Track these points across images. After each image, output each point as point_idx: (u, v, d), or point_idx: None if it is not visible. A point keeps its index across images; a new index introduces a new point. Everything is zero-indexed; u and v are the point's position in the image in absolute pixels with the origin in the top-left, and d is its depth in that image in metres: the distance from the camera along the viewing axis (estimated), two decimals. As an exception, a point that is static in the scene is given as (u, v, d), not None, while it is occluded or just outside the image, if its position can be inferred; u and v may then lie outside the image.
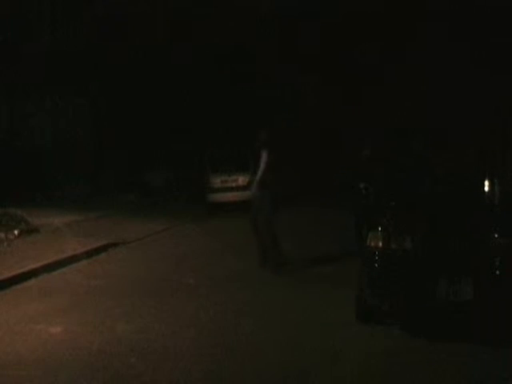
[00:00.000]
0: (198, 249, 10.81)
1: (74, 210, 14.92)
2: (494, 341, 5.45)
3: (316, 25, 21.89)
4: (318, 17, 21.87)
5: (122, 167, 20.73)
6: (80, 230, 12.36)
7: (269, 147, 8.30)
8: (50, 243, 10.65)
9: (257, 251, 8.69)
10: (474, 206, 6.44)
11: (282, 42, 21.93)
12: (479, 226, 5.78)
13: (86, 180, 19.51)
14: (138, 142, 20.90)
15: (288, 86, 22.06)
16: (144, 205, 17.67)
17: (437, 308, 5.53)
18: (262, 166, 8.24)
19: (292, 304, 6.99)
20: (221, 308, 6.82)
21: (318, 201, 16.11)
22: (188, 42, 21.35)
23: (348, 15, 21.36)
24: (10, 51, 18.20)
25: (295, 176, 16.21)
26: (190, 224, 14.23)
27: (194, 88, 21.31)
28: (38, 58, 19.10)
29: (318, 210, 14.99)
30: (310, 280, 8.11)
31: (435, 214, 6.08)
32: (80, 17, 21.16)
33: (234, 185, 16.51)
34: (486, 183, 6.89)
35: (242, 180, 15.97)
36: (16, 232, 11.13)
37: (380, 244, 5.72)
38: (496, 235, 5.55)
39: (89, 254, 9.92)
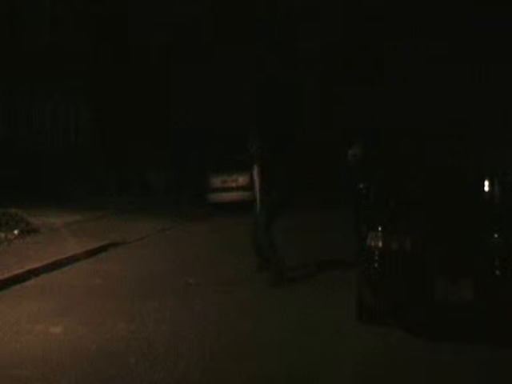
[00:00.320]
0: (198, 249, 10.82)
1: (74, 210, 14.91)
2: (494, 341, 5.45)
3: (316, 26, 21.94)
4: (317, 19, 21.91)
5: (122, 167, 20.73)
6: (80, 230, 12.36)
7: (259, 160, 7.99)
8: (49, 243, 10.66)
9: (254, 257, 8.42)
10: (473, 206, 6.44)
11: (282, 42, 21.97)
12: (479, 225, 5.78)
13: (86, 180, 19.50)
14: (138, 142, 20.90)
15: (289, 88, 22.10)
16: (144, 205, 17.66)
17: (437, 308, 5.53)
18: (257, 180, 7.93)
19: (292, 304, 6.98)
20: (221, 308, 6.82)
21: (316, 201, 16.10)
22: (188, 42, 21.37)
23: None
24: (10, 51, 18.18)
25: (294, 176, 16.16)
26: (190, 224, 14.24)
27: (193, 88, 21.31)
28: (38, 58, 19.10)
29: (316, 210, 14.99)
30: (310, 280, 8.11)
31: (435, 214, 6.08)
32: (81, 16, 21.16)
33: (234, 185, 16.50)
34: (486, 183, 6.89)
35: (242, 180, 15.96)
36: (16, 232, 11.13)
37: (380, 244, 5.72)
38: (496, 235, 5.55)
39: (89, 254, 9.92)
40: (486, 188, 6.87)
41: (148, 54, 21.31)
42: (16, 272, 8.31)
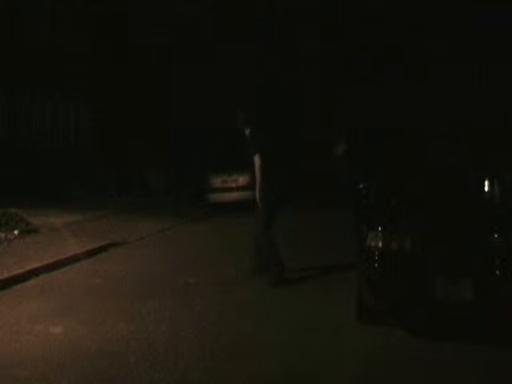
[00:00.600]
0: (198, 249, 10.82)
1: (74, 210, 14.91)
2: (494, 341, 5.45)
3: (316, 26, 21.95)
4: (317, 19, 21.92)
5: (122, 167, 20.73)
6: (80, 230, 12.36)
7: (251, 125, 7.91)
8: (49, 243, 10.65)
9: (253, 258, 8.33)
10: (474, 206, 6.44)
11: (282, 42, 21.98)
12: (479, 226, 5.78)
13: (86, 180, 19.50)
14: (138, 142, 20.90)
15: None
16: (144, 205, 17.66)
17: (437, 308, 5.53)
18: (258, 172, 7.79)
19: (292, 304, 6.98)
20: (221, 308, 6.82)
21: (316, 200, 16.10)
22: (188, 42, 21.37)
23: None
24: (10, 50, 18.19)
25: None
26: (190, 224, 14.24)
27: (193, 88, 21.31)
28: (38, 58, 19.10)
29: (316, 210, 14.99)
30: (310, 280, 8.11)
31: (435, 214, 6.08)
32: (81, 16, 21.16)
33: (234, 185, 16.49)
34: (486, 183, 6.89)
35: (242, 180, 15.96)
36: (16, 232, 11.12)
37: (380, 244, 5.72)
38: (496, 235, 5.55)
39: (89, 254, 9.91)
40: (486, 188, 6.87)
41: (148, 54, 21.31)
42: (16, 272, 8.31)
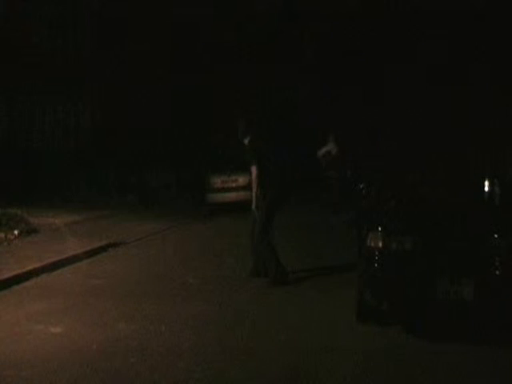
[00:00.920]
0: (197, 249, 10.81)
1: (74, 210, 14.92)
2: (494, 341, 5.46)
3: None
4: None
5: (122, 167, 20.72)
6: (80, 230, 12.36)
7: (251, 136, 8.05)
8: (49, 243, 10.65)
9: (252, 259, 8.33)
10: (474, 206, 6.44)
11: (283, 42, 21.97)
12: (479, 225, 5.79)
13: (86, 180, 19.50)
14: (138, 142, 20.89)
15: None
16: (144, 205, 17.65)
17: (437, 308, 5.54)
18: (254, 181, 7.93)
19: (292, 304, 6.99)
20: (221, 308, 6.82)
21: (310, 200, 16.09)
22: (188, 42, 21.37)
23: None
24: (10, 51, 18.19)
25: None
26: (190, 224, 14.23)
27: (193, 88, 21.31)
28: (39, 58, 19.11)
29: (315, 210, 14.98)
30: (310, 280, 8.11)
31: (435, 214, 6.08)
32: (81, 17, 21.17)
33: (234, 185, 16.47)
34: (486, 183, 6.90)
35: (242, 180, 15.94)
36: (16, 232, 11.12)
37: (380, 244, 5.72)
38: (496, 235, 5.55)
39: (89, 254, 9.91)
40: (486, 188, 6.88)
41: (148, 54, 21.30)
42: (16, 272, 8.31)
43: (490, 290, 5.37)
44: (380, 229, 5.80)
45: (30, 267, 8.59)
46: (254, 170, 7.93)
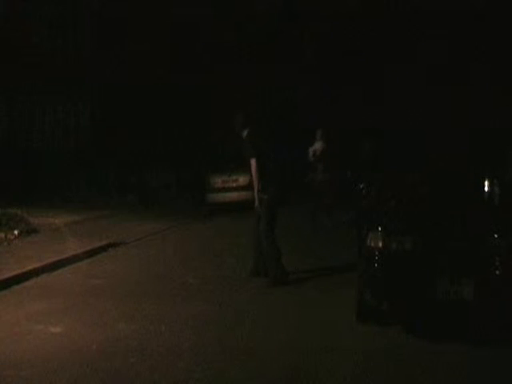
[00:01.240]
0: (198, 249, 10.81)
1: (74, 210, 14.92)
2: (494, 341, 5.46)
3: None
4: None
5: (122, 167, 20.72)
6: (80, 230, 12.36)
7: (249, 129, 8.01)
8: (49, 243, 10.65)
9: (252, 259, 8.30)
10: (474, 207, 6.44)
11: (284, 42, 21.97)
12: (479, 225, 5.79)
13: (86, 180, 19.50)
14: (138, 142, 20.89)
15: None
16: (144, 205, 17.66)
17: (437, 308, 5.54)
18: (254, 175, 7.88)
19: (292, 304, 6.99)
20: (221, 308, 6.82)
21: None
22: (189, 42, 21.37)
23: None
24: (10, 50, 18.19)
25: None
26: (190, 224, 14.23)
27: (193, 87, 21.30)
28: (39, 58, 19.10)
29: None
30: (310, 280, 8.10)
31: (435, 214, 6.08)
32: (81, 16, 21.17)
33: (234, 185, 16.47)
34: (486, 183, 6.89)
35: (242, 180, 15.94)
36: (16, 232, 11.12)
37: (380, 244, 5.72)
38: (496, 235, 5.55)
39: (89, 254, 9.91)
40: (486, 188, 6.88)
41: (148, 54, 21.29)
42: (16, 272, 8.31)
43: (490, 290, 5.37)
44: (380, 229, 5.80)
45: (29, 267, 8.59)
46: (253, 162, 7.84)
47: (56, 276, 8.65)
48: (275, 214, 8.00)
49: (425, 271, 5.51)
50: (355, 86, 21.39)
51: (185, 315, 6.53)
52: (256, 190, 7.92)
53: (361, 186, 8.20)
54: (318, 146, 12.43)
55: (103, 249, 10.52)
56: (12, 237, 10.88)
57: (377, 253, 5.73)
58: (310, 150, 12.50)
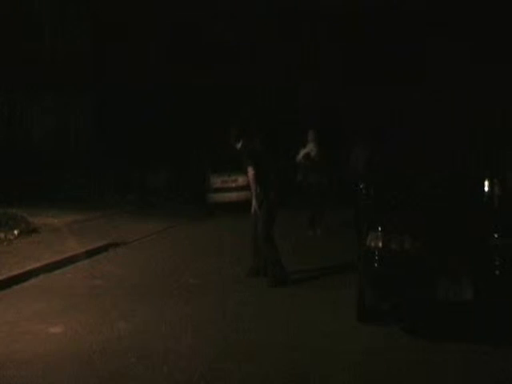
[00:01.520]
0: (197, 249, 10.82)
1: (74, 210, 14.91)
2: (494, 341, 5.46)
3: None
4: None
5: (122, 167, 20.73)
6: (80, 230, 12.36)
7: (243, 141, 8.15)
8: (49, 243, 10.65)
9: (252, 259, 8.32)
10: (474, 206, 6.44)
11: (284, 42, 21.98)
12: (479, 225, 5.79)
13: (86, 180, 19.49)
14: (138, 143, 20.90)
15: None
16: (144, 205, 17.66)
17: (437, 308, 5.54)
18: (251, 181, 8.01)
19: (292, 304, 6.99)
20: (221, 308, 6.82)
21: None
22: (188, 42, 21.38)
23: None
24: (11, 50, 18.18)
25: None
26: (190, 224, 14.24)
27: (194, 87, 21.32)
28: (39, 58, 19.09)
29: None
30: (310, 280, 8.11)
31: (435, 214, 6.08)
32: (81, 16, 21.18)
33: (234, 185, 16.49)
34: (486, 183, 6.90)
35: (242, 180, 15.93)
36: (16, 232, 11.12)
37: (380, 244, 5.72)
38: (496, 235, 5.55)
39: (89, 254, 9.91)
40: (486, 188, 6.88)
41: (148, 54, 21.30)
42: (16, 272, 8.31)
43: (490, 290, 5.37)
44: (380, 229, 5.80)
45: (29, 267, 8.59)
46: (250, 169, 8.01)
47: (56, 276, 8.65)
48: (274, 218, 8.06)
49: (425, 271, 5.51)
50: (355, 85, 21.40)
51: (185, 315, 6.53)
52: (253, 196, 8.05)
53: (361, 186, 8.20)
54: (311, 148, 11.93)
55: (103, 249, 10.52)
56: (12, 237, 10.88)
57: (377, 253, 5.73)
58: (302, 152, 12.05)
